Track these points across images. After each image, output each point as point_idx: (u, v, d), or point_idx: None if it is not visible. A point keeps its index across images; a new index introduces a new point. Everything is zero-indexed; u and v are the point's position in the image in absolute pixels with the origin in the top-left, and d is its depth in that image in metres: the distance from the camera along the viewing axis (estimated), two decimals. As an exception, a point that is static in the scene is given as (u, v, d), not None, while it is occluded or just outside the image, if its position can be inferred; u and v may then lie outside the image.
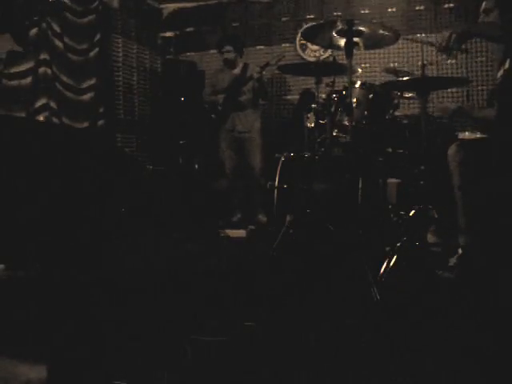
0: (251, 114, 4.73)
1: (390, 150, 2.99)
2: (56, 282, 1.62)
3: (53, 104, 4.29)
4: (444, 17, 5.15)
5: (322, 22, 3.56)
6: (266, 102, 5.15)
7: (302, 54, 5.66)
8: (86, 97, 4.66)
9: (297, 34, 5.62)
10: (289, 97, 5.55)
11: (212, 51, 6.03)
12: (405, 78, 2.78)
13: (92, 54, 4.77)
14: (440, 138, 3.08)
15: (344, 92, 2.93)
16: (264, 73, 4.60)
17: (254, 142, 4.70)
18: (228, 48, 4.73)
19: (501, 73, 2.58)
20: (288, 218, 2.98)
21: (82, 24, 4.66)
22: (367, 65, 5.23)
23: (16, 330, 1.71)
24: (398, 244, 2.43)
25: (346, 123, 2.84)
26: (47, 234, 1.71)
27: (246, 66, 4.71)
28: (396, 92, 3.11)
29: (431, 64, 4.93)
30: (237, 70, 4.77)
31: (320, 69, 3.06)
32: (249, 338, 1.79)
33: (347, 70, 2.65)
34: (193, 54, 6.08)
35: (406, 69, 4.66)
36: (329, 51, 5.37)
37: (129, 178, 4.51)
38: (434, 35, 5.16)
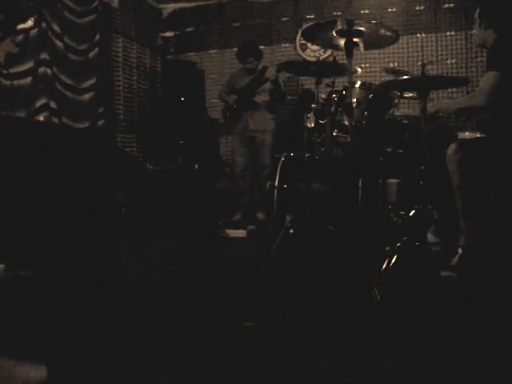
0: (265, 115, 4.80)
1: (389, 149, 2.99)
2: (56, 282, 1.62)
3: (53, 104, 4.28)
4: (444, 17, 5.15)
5: (321, 21, 3.56)
6: (283, 105, 5.18)
7: (301, 53, 5.66)
8: (86, 97, 4.66)
9: (297, 33, 5.62)
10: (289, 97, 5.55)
11: (212, 51, 6.04)
12: (404, 77, 2.78)
13: (92, 54, 4.77)
14: (440, 138, 3.08)
15: (344, 92, 2.92)
16: (280, 75, 4.66)
17: (265, 143, 4.77)
18: (250, 60, 4.78)
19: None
20: (288, 217, 2.98)
21: (82, 24, 4.65)
22: (367, 65, 5.23)
23: (16, 330, 1.71)
24: (398, 244, 2.43)
25: (346, 123, 2.84)
26: (47, 234, 1.70)
27: (264, 69, 4.75)
28: (396, 92, 3.10)
29: (431, 63, 4.93)
30: (255, 73, 4.82)
31: (320, 69, 3.06)
32: (249, 338, 1.79)
33: (347, 70, 2.65)
34: (193, 54, 6.08)
35: (405, 69, 4.67)
36: (329, 51, 5.37)
37: (129, 177, 4.51)
38: (433, 35, 5.17)
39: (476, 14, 2.78)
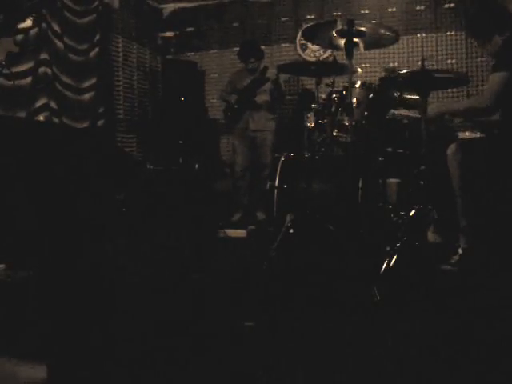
0: (266, 115, 4.80)
1: (389, 149, 2.99)
2: (56, 282, 1.62)
3: (53, 104, 4.27)
4: (444, 17, 5.15)
5: (321, 21, 3.57)
6: (283, 105, 5.18)
7: (302, 53, 5.66)
8: (86, 97, 4.65)
9: (297, 33, 5.62)
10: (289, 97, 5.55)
11: (212, 51, 6.04)
12: (404, 71, 2.77)
13: (92, 53, 4.76)
14: (440, 138, 3.07)
15: (344, 92, 2.92)
16: (280, 75, 4.66)
17: (265, 143, 4.78)
18: (252, 60, 4.79)
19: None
20: (288, 217, 2.97)
21: (82, 24, 4.64)
22: (367, 65, 5.23)
23: (16, 330, 1.71)
24: (398, 244, 2.43)
25: (346, 123, 2.84)
26: (47, 234, 1.70)
27: (265, 69, 4.76)
28: (396, 93, 3.10)
29: (431, 59, 4.94)
30: (256, 73, 4.83)
31: (320, 69, 3.06)
32: (249, 338, 1.79)
33: (347, 70, 2.65)
34: (193, 54, 6.08)
35: (406, 69, 4.66)
36: (329, 51, 5.37)
37: (129, 177, 4.51)
38: (433, 35, 5.17)
39: (475, 44, 2.79)
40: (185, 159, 5.10)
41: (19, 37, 1.58)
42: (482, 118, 2.94)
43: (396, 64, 5.17)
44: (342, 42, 2.68)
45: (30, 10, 1.60)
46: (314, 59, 5.49)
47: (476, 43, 2.85)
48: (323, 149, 3.03)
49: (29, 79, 1.64)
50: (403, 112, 3.08)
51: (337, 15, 5.42)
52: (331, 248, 2.61)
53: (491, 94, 2.55)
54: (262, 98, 4.77)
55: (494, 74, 2.58)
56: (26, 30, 1.64)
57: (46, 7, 1.61)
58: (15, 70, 1.56)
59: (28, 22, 1.67)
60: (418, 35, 5.20)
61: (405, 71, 2.71)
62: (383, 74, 4.28)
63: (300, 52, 5.66)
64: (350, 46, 2.60)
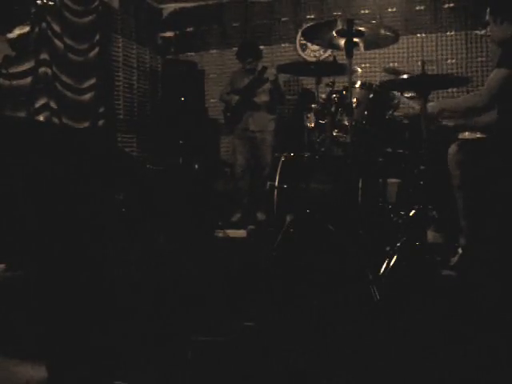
0: (265, 115, 4.81)
1: (389, 149, 2.99)
2: (56, 282, 1.62)
3: (53, 104, 4.28)
4: (444, 17, 5.15)
5: (321, 21, 3.57)
6: (283, 105, 5.18)
7: (302, 53, 5.66)
8: (86, 97, 4.66)
9: (297, 33, 5.62)
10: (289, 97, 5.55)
11: (212, 51, 6.04)
12: (404, 76, 2.76)
13: (92, 54, 4.77)
14: (440, 138, 3.07)
15: (344, 92, 2.92)
16: (280, 75, 4.67)
17: (265, 143, 4.79)
18: (249, 60, 4.81)
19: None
20: (288, 218, 2.97)
21: (82, 24, 4.65)
22: (367, 65, 5.23)
23: (16, 330, 1.71)
24: (398, 244, 2.42)
25: (346, 123, 2.84)
26: (47, 234, 1.70)
27: (264, 69, 4.76)
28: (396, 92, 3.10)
29: (431, 63, 4.94)
30: (255, 73, 4.84)
31: (320, 69, 3.06)
32: (249, 338, 1.79)
33: (347, 70, 2.65)
34: (193, 54, 6.09)
35: (406, 69, 4.67)
36: (329, 51, 5.37)
37: (128, 177, 4.51)
38: (433, 35, 5.17)
39: (487, 15, 2.68)
40: (185, 159, 5.09)
41: (16, 42, 1.59)
42: (479, 115, 2.90)
43: (396, 64, 5.17)
44: (342, 42, 2.68)
45: (26, 16, 1.61)
46: (314, 59, 5.50)
47: (490, 21, 2.64)
48: (323, 149, 3.03)
49: (29, 79, 1.64)
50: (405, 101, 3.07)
51: (337, 15, 5.41)
52: (331, 248, 2.61)
53: (488, 93, 2.52)
54: (262, 98, 4.78)
55: (497, 69, 2.49)
56: (24, 36, 1.64)
57: (46, 9, 1.62)
58: (15, 70, 1.56)
59: (26, 28, 1.67)
60: (418, 35, 5.20)
61: (405, 76, 2.68)
62: (383, 74, 4.28)
63: (300, 52, 5.66)
64: (350, 46, 2.60)
